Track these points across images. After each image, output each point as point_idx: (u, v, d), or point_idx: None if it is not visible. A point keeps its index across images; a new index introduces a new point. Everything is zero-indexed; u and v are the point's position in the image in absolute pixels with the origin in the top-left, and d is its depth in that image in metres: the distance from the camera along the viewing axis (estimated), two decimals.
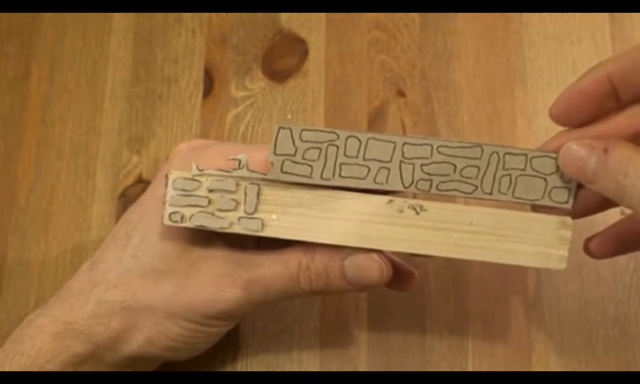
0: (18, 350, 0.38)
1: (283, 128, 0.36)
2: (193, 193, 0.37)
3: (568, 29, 0.52)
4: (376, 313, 0.47)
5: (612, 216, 0.40)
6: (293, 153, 0.36)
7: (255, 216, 0.37)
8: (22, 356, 0.38)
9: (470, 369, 0.46)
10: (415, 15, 0.53)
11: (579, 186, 0.37)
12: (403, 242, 0.37)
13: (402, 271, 0.43)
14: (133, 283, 0.39)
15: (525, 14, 0.52)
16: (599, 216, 0.39)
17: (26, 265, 0.50)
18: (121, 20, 0.54)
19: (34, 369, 0.37)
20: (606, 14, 0.51)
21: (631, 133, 0.36)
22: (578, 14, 0.52)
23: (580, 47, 0.51)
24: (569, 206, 0.37)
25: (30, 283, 0.49)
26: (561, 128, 0.37)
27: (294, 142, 0.36)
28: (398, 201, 0.37)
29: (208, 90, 0.53)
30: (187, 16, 0.54)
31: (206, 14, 0.54)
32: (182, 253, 0.39)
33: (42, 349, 0.38)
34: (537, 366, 0.45)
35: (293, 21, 0.54)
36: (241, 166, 0.37)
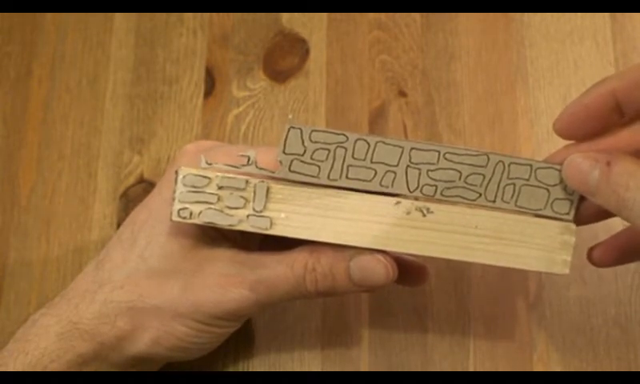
0: (22, 349, 0.38)
1: (294, 128, 0.36)
2: (202, 189, 0.37)
3: (569, 29, 0.52)
4: (377, 313, 0.47)
5: (615, 224, 0.41)
6: (302, 152, 0.37)
7: (264, 214, 0.37)
8: (27, 355, 0.38)
9: (472, 369, 0.46)
10: (417, 15, 0.53)
11: (581, 199, 0.37)
12: (409, 244, 0.37)
13: (412, 267, 0.43)
14: (139, 283, 0.39)
15: (526, 14, 0.52)
16: (601, 223, 0.40)
17: (28, 265, 0.50)
18: (122, 20, 0.54)
19: (38, 368, 0.37)
20: (608, 14, 0.51)
21: (636, 148, 0.36)
22: (579, 14, 0.52)
23: (581, 47, 0.51)
24: (570, 217, 0.37)
25: (31, 283, 0.49)
26: (566, 142, 0.38)
27: (303, 142, 0.37)
28: (406, 202, 0.37)
29: (209, 90, 0.53)
30: (189, 16, 0.54)
31: (208, 14, 0.54)
32: (188, 253, 0.39)
33: (46, 348, 0.38)
34: (538, 366, 0.45)
35: (294, 21, 0.54)
36: (249, 162, 0.37)
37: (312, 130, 0.37)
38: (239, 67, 0.53)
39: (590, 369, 0.45)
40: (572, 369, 0.45)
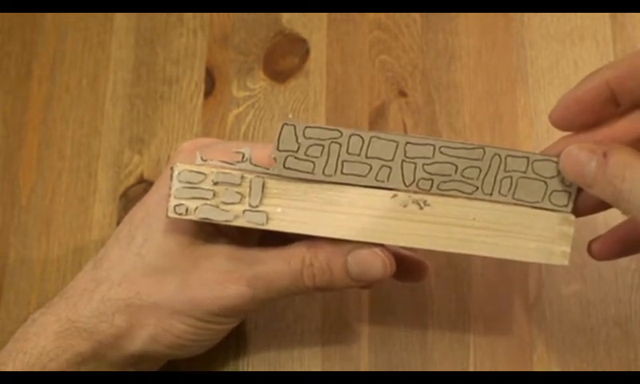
0: (21, 348, 0.38)
1: (287, 124, 0.36)
2: (198, 185, 0.37)
3: (569, 29, 0.52)
4: (378, 312, 0.47)
5: (614, 218, 0.40)
6: (296, 149, 0.37)
7: (260, 209, 0.37)
8: (26, 354, 0.38)
9: (472, 368, 0.46)
10: (417, 15, 0.53)
11: (579, 190, 0.37)
12: (406, 237, 0.37)
13: (411, 262, 0.43)
14: (136, 281, 0.39)
15: (526, 14, 0.52)
16: (600, 217, 0.40)
17: (28, 264, 0.50)
18: (122, 20, 0.54)
19: (37, 368, 0.37)
20: (608, 14, 0.51)
21: (633, 138, 0.36)
22: (579, 14, 0.52)
23: (581, 47, 0.51)
24: (568, 209, 0.37)
25: (31, 283, 0.49)
26: (562, 133, 0.38)
27: (297, 138, 0.36)
28: (402, 195, 0.37)
29: (209, 90, 0.53)
30: (189, 16, 0.54)
31: (208, 14, 0.54)
32: (185, 250, 0.39)
33: (45, 347, 0.38)
34: (538, 366, 0.45)
35: (294, 21, 0.54)
36: (244, 159, 0.37)
37: (305, 127, 0.36)
38: (239, 67, 0.53)
39: (590, 369, 0.45)
40: (572, 369, 0.45)
